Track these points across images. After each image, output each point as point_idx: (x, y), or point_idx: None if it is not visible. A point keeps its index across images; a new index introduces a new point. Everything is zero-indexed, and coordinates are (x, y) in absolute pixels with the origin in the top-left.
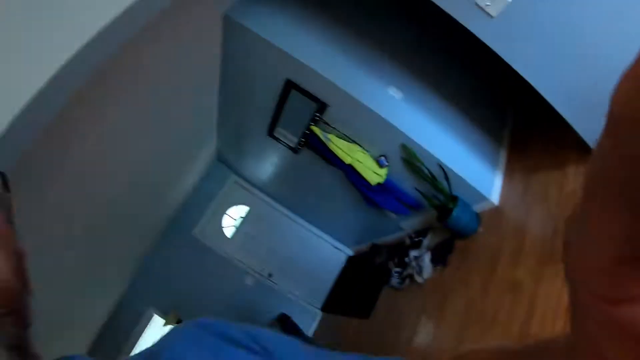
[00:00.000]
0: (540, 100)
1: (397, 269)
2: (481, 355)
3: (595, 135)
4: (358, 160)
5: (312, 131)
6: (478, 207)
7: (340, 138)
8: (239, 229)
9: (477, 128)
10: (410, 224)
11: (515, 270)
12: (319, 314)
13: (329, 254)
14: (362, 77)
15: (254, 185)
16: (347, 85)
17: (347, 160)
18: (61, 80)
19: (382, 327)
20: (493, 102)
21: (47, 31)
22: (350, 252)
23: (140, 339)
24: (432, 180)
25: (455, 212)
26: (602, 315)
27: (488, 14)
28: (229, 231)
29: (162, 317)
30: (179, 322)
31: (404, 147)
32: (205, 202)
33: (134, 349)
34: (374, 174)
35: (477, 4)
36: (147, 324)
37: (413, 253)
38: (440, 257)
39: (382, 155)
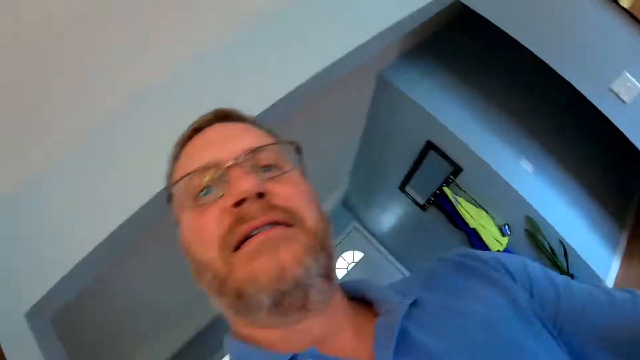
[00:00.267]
0: None
1: None
2: None
3: None
4: (482, 226)
5: (443, 192)
6: None
7: (469, 202)
8: (349, 273)
9: (601, 207)
10: None
11: None
12: None
13: None
14: (498, 146)
15: (372, 234)
16: (483, 152)
17: (472, 224)
18: None
19: None
20: (620, 183)
21: None
22: None
23: None
24: (551, 255)
25: None
26: None
27: (621, 99)
28: (339, 273)
29: None
30: None
31: (529, 219)
32: None
33: None
34: (495, 241)
35: (611, 89)
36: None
37: None
38: None
39: (506, 224)
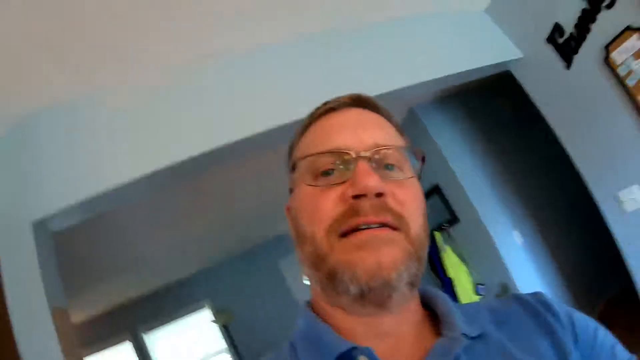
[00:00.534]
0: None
1: None
2: None
3: None
4: (459, 279)
5: (432, 235)
6: None
7: (454, 252)
8: None
9: (571, 298)
10: None
11: None
12: None
13: None
14: (498, 210)
15: None
16: (483, 212)
17: (451, 274)
18: None
19: None
20: (595, 281)
21: None
22: None
23: (181, 319)
24: None
25: None
26: None
27: (624, 208)
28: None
29: (213, 311)
30: (225, 326)
31: (504, 287)
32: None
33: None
34: (467, 297)
35: (617, 196)
36: (195, 310)
37: None
38: None
39: (482, 284)
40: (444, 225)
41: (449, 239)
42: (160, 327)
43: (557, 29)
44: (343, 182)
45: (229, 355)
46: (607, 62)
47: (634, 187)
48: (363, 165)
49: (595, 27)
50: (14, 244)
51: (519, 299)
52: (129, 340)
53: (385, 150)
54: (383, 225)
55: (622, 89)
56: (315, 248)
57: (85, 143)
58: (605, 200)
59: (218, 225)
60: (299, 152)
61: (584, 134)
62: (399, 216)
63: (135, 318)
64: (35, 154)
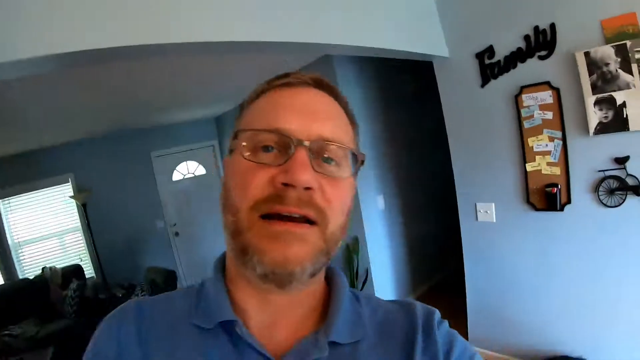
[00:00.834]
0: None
1: None
2: None
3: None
4: None
5: None
6: None
7: None
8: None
9: (409, 270)
10: None
11: None
12: None
13: None
14: (372, 175)
15: None
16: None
17: None
18: None
19: None
20: (436, 255)
21: None
22: None
23: (39, 191)
24: (354, 276)
25: None
26: None
27: (477, 216)
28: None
29: (74, 188)
30: (84, 205)
31: (356, 240)
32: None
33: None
34: None
35: (475, 206)
36: (55, 185)
37: None
38: None
39: None
40: None
41: None
42: (17, 195)
43: (489, 50)
44: (278, 165)
45: (82, 235)
46: (517, 99)
47: (491, 205)
48: (301, 155)
49: (521, 67)
50: None
51: (412, 313)
52: None
53: (328, 144)
54: (303, 218)
55: (518, 126)
56: (236, 220)
57: None
58: (465, 204)
59: (105, 102)
60: (244, 121)
61: (470, 144)
62: (322, 212)
63: None
64: None
